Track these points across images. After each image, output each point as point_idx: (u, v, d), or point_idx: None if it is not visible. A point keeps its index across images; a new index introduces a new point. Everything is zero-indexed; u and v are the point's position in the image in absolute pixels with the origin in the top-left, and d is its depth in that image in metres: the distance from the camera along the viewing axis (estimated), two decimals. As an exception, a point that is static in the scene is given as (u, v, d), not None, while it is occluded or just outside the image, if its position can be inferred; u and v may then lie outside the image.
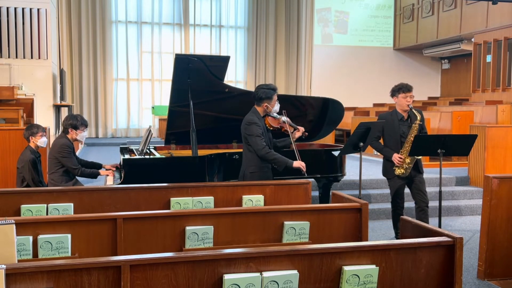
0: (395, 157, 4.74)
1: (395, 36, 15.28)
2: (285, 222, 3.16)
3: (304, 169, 4.20)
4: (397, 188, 4.86)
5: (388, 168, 4.90)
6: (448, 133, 8.28)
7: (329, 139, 10.34)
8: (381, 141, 5.02)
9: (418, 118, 4.70)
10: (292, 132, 4.41)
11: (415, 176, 4.84)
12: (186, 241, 3.02)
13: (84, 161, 5.15)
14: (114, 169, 5.14)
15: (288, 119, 4.44)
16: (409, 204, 6.13)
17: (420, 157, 4.77)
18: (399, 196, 4.89)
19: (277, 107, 4.37)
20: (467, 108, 9.78)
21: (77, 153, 5.56)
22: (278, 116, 4.41)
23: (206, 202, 3.82)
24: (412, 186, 4.89)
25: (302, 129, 4.44)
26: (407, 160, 4.71)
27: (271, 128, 4.39)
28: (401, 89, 4.74)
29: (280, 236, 3.18)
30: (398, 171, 4.78)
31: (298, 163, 4.21)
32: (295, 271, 2.26)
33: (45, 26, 9.61)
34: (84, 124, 4.97)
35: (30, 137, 4.94)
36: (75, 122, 4.91)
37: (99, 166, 5.16)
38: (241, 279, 2.17)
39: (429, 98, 14.85)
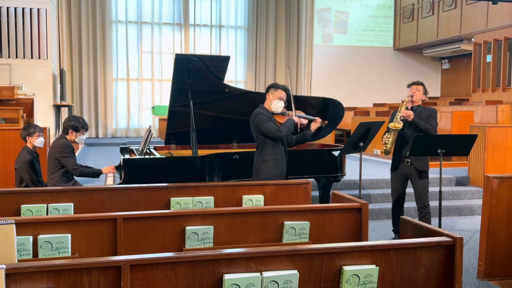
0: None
1: (395, 36, 15.27)
2: (285, 222, 3.16)
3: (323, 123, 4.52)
4: (392, 183, 5.03)
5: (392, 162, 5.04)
6: (448, 133, 8.28)
7: (329, 139, 10.33)
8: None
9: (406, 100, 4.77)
10: (302, 124, 4.60)
11: (414, 176, 4.86)
12: (186, 241, 3.02)
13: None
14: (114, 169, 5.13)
15: (297, 112, 4.58)
16: (409, 204, 6.13)
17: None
18: (395, 191, 5.00)
19: (280, 103, 4.46)
20: (467, 108, 9.78)
21: (76, 154, 5.53)
22: (286, 112, 4.56)
23: (206, 202, 3.82)
24: (413, 187, 4.96)
25: (318, 119, 4.57)
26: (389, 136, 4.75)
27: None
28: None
29: (280, 236, 3.18)
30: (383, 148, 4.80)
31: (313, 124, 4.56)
32: (295, 271, 2.26)
33: (45, 26, 9.60)
34: (85, 128, 4.97)
35: (27, 137, 4.93)
36: (77, 124, 4.90)
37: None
38: (241, 279, 2.17)
39: (429, 98, 14.78)
